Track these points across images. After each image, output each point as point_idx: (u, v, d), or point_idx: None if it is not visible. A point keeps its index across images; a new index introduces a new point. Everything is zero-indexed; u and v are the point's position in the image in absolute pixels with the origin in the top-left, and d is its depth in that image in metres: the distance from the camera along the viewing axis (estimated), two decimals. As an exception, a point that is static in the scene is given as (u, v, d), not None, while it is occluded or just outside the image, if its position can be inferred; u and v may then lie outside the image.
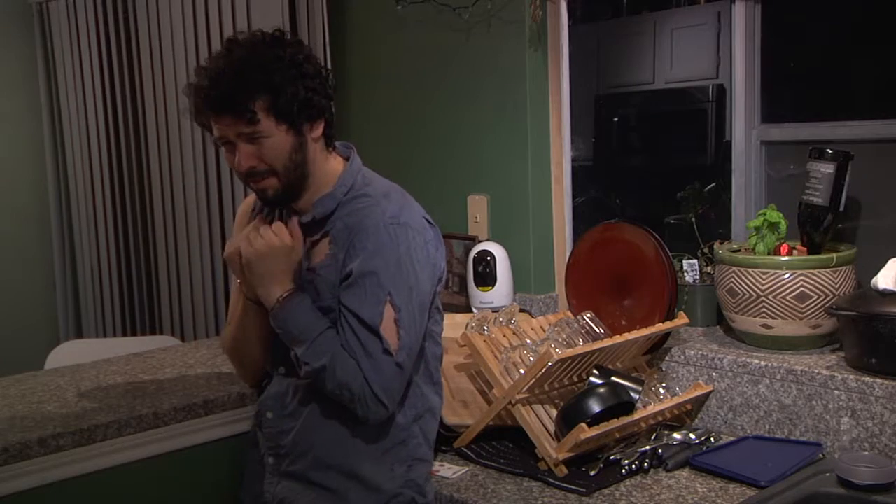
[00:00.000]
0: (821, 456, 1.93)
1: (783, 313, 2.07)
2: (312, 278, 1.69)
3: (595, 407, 1.91)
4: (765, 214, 2.15)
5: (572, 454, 1.90)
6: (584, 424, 1.87)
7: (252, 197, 1.84)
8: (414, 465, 1.74)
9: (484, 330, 2.11)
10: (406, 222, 1.67)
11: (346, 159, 1.77)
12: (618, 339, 2.06)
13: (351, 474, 1.70)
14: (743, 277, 2.11)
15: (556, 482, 1.86)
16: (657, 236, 2.20)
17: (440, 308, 1.79)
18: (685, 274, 2.40)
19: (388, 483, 1.71)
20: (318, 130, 1.69)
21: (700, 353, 2.18)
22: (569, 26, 2.63)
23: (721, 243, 2.34)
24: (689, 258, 2.43)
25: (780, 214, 2.14)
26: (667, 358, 2.24)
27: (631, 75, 4.16)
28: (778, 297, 2.06)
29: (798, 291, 2.05)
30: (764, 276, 2.08)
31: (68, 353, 2.83)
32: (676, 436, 2.03)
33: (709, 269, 2.40)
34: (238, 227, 1.84)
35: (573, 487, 1.83)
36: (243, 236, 1.71)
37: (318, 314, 1.66)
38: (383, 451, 1.71)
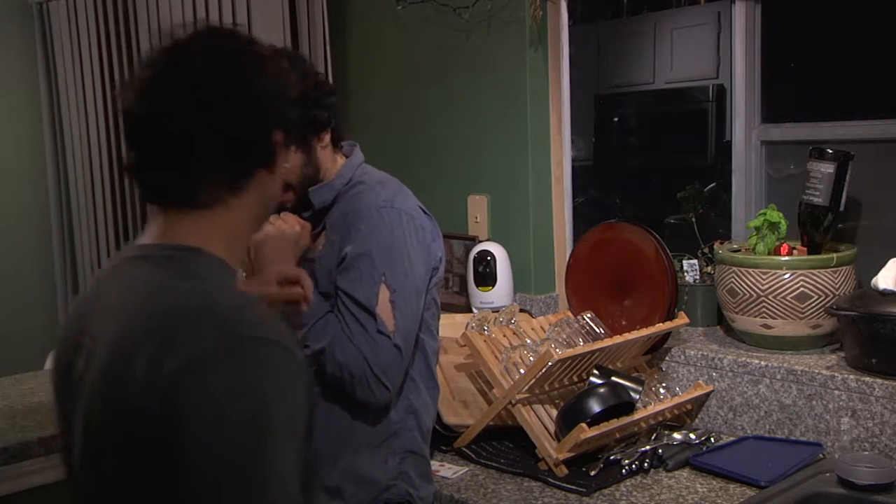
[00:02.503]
0: (821, 456, 1.93)
1: (783, 313, 2.07)
2: (310, 268, 1.71)
3: (595, 407, 1.91)
4: (765, 214, 2.15)
5: (572, 454, 1.90)
6: (584, 424, 1.87)
7: None
8: (407, 458, 1.75)
9: (484, 330, 2.11)
10: (399, 207, 1.71)
11: (349, 157, 1.80)
12: (618, 339, 2.05)
13: (345, 468, 1.71)
14: (743, 277, 2.11)
15: (556, 482, 1.86)
16: (657, 236, 2.20)
17: (437, 301, 1.80)
18: (685, 274, 2.40)
19: (381, 475, 1.72)
20: (326, 139, 1.75)
21: (700, 353, 2.18)
22: (569, 26, 2.63)
23: (721, 243, 2.34)
24: (689, 258, 2.44)
25: (780, 214, 2.14)
26: (667, 358, 2.24)
27: (631, 75, 4.17)
28: (778, 297, 2.06)
29: (798, 291, 2.05)
30: (764, 276, 2.08)
31: (68, 353, 2.83)
32: (676, 436, 2.03)
33: (709, 269, 2.40)
34: None
35: (573, 487, 1.83)
36: None
37: (319, 298, 1.69)
38: (377, 444, 1.72)
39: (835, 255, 2.08)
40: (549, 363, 1.91)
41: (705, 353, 2.17)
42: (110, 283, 1.19)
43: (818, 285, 2.05)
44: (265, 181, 1.17)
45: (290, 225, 1.71)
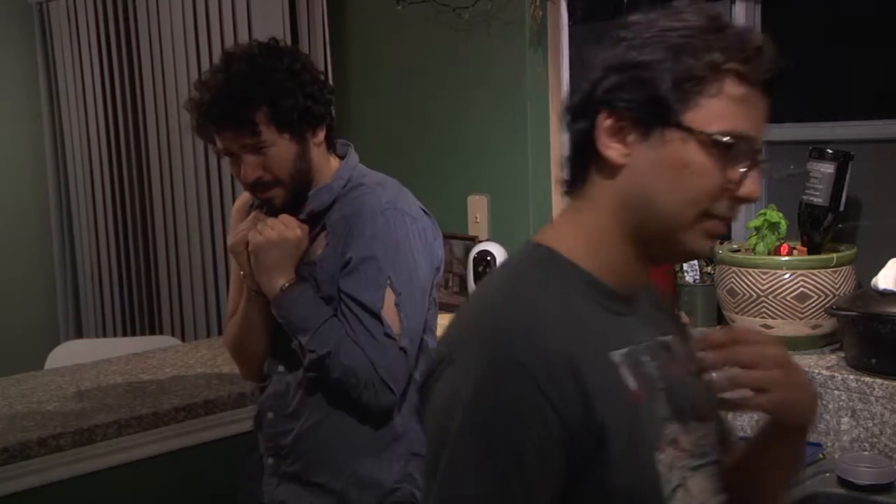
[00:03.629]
0: (821, 456, 1.92)
1: (783, 313, 2.07)
2: (312, 271, 1.70)
3: (595, 407, 1.90)
4: (765, 214, 2.15)
5: (572, 454, 1.90)
6: (584, 424, 1.86)
7: (247, 194, 1.85)
8: (412, 460, 1.73)
9: (484, 330, 2.10)
10: (402, 208, 1.69)
11: (343, 157, 1.78)
12: (618, 339, 2.05)
13: (350, 472, 1.70)
14: (743, 277, 2.11)
15: (556, 482, 1.86)
16: (657, 236, 2.20)
17: (437, 302, 1.79)
18: (685, 274, 2.40)
19: (385, 478, 1.71)
20: (320, 136, 1.71)
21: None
22: (569, 26, 2.63)
23: (721, 243, 2.34)
24: (689, 258, 2.43)
25: (780, 214, 2.14)
26: (667, 358, 2.24)
27: (631, 75, 4.15)
28: (778, 297, 2.06)
29: (798, 291, 2.05)
30: (764, 276, 2.07)
31: (68, 353, 2.83)
32: (676, 436, 2.02)
33: (709, 269, 2.40)
34: (234, 224, 1.84)
35: (573, 487, 1.83)
36: (249, 226, 1.72)
37: (321, 303, 1.67)
38: (382, 447, 1.71)
39: (835, 255, 2.08)
40: (549, 363, 1.91)
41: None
42: None
43: (818, 285, 2.05)
44: (611, 173, 0.99)
45: (290, 228, 1.69)
